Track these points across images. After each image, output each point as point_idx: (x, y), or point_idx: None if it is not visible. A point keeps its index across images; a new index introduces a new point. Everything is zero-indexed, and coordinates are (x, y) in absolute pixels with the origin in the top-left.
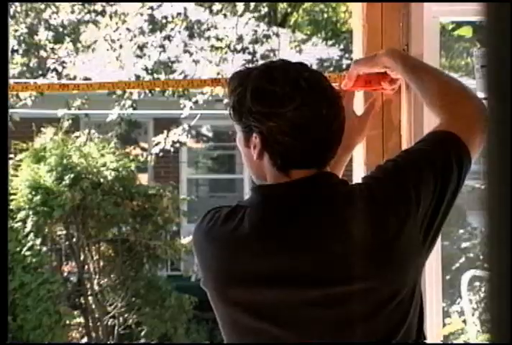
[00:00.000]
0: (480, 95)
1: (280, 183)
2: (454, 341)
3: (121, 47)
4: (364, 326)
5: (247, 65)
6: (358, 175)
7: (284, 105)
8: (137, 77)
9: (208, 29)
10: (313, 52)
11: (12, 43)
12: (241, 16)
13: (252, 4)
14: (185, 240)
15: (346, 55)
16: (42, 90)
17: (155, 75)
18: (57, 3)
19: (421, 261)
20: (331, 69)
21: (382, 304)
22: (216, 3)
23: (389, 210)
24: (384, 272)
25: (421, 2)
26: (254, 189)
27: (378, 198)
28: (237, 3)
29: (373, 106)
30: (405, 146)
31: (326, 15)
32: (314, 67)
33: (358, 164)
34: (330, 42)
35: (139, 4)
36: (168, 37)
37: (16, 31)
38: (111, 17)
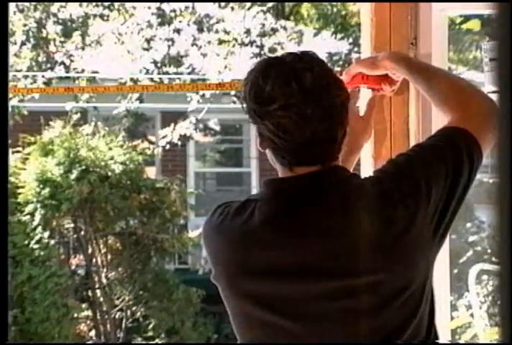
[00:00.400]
0: (489, 88)
1: (289, 177)
2: (462, 335)
3: (129, 40)
4: (373, 319)
5: (254, 59)
6: (366, 169)
7: (270, 103)
8: (146, 70)
9: (217, 23)
10: (322, 46)
11: (21, 37)
12: (249, 9)
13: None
14: (193, 233)
15: (356, 49)
16: (46, 93)
17: (164, 69)
18: None
19: (431, 255)
20: (340, 63)
21: (392, 297)
22: None
23: (399, 204)
24: (393, 265)
25: (428, 2)
26: (265, 183)
27: (389, 192)
28: None
29: (374, 104)
30: (412, 139)
31: (335, 9)
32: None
33: (366, 157)
34: (339, 36)
35: None
36: (177, 31)
37: (25, 25)
38: (118, 11)
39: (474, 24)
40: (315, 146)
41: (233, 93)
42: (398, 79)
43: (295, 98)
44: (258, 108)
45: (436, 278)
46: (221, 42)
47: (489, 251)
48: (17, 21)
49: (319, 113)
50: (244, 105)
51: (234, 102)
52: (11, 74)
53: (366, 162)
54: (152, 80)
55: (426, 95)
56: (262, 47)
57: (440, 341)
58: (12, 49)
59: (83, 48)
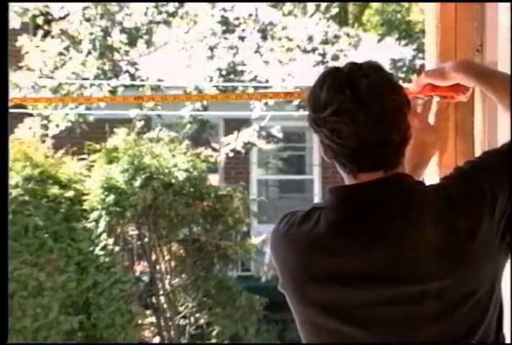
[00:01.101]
0: None
1: (353, 184)
2: None
3: (192, 48)
4: (439, 325)
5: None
6: (431, 177)
7: (324, 110)
8: (210, 78)
9: (280, 30)
10: (386, 52)
11: (87, 46)
12: (311, 16)
13: (323, 5)
14: (256, 240)
15: (420, 55)
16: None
17: (227, 77)
18: (130, 5)
19: (499, 261)
20: (404, 69)
21: (458, 303)
22: (287, 4)
23: (465, 210)
24: (458, 271)
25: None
26: (330, 190)
27: (454, 198)
28: (308, 4)
29: (442, 114)
30: (478, 147)
31: (398, 15)
32: (387, 67)
33: (431, 166)
34: (403, 42)
35: (210, 5)
36: (241, 38)
37: (91, 34)
38: (182, 18)
39: None
40: (371, 152)
41: (296, 102)
42: (470, 86)
43: (348, 104)
44: (315, 115)
45: (503, 282)
46: (283, 49)
47: None
48: (83, 29)
49: (372, 119)
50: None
51: (298, 109)
52: (77, 82)
53: (431, 171)
54: (216, 88)
55: (497, 101)
56: (324, 54)
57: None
58: (79, 57)
59: (147, 56)
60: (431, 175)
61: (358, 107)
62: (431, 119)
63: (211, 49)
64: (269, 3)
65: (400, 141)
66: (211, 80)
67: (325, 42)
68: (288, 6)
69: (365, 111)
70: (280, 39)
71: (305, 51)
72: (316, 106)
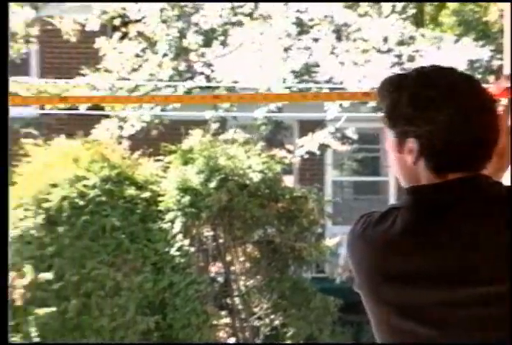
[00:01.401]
0: None
1: (436, 184)
2: None
3: (266, 49)
4: (507, 328)
5: (392, 68)
6: (507, 179)
7: (440, 109)
8: (284, 79)
9: (355, 31)
10: (463, 53)
11: (164, 47)
12: (386, 17)
13: (399, 5)
14: (330, 242)
15: (498, 56)
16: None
17: (302, 78)
18: (206, 7)
19: None
20: (481, 70)
21: None
22: (363, 5)
23: None
24: None
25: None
26: (408, 190)
27: None
28: (383, 4)
29: None
30: None
31: (476, 15)
32: (464, 68)
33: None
34: (480, 43)
35: (285, 7)
36: (315, 40)
37: (167, 35)
38: (257, 19)
39: None
40: (461, 151)
41: (371, 104)
42: None
43: (465, 102)
44: (424, 115)
45: None
46: (358, 50)
47: None
48: (160, 31)
49: (486, 118)
50: (392, 116)
51: (373, 111)
52: (152, 83)
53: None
54: (289, 89)
55: None
56: (400, 55)
57: None
58: (155, 59)
59: (222, 57)
60: (507, 177)
61: (473, 106)
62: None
63: (286, 50)
64: (344, 3)
65: (491, 141)
66: (284, 82)
67: (401, 43)
68: (364, 6)
69: (480, 110)
70: (355, 40)
71: (380, 52)
72: (425, 105)
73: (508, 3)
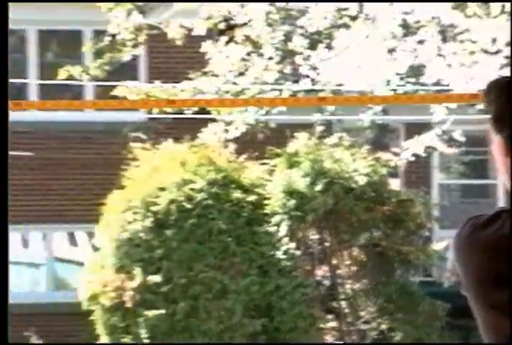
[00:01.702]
0: None
1: None
2: None
3: (371, 51)
4: None
5: (501, 69)
6: None
7: None
8: (388, 82)
9: (462, 32)
10: None
11: (269, 51)
12: (495, 17)
13: (508, 5)
14: (438, 246)
15: None
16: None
17: (407, 80)
18: (311, 10)
19: None
20: None
21: None
22: (470, 5)
23: None
24: None
25: None
26: None
27: None
28: (491, 5)
29: None
30: None
31: None
32: None
33: None
34: None
35: (391, 8)
36: (420, 41)
37: (272, 38)
38: (363, 22)
39: None
40: None
41: (479, 106)
42: None
43: None
44: None
45: None
46: (467, 52)
47: None
48: (265, 34)
49: None
50: (499, 120)
51: (481, 113)
52: (258, 87)
53: None
54: (394, 91)
55: None
56: (509, 57)
57: None
58: (261, 62)
59: (327, 60)
60: None
61: None
62: None
63: (390, 52)
64: (452, 4)
65: None
66: (388, 84)
67: (510, 44)
68: (472, 7)
69: None
70: (462, 41)
71: (489, 53)
72: None
73: (508, 3)
